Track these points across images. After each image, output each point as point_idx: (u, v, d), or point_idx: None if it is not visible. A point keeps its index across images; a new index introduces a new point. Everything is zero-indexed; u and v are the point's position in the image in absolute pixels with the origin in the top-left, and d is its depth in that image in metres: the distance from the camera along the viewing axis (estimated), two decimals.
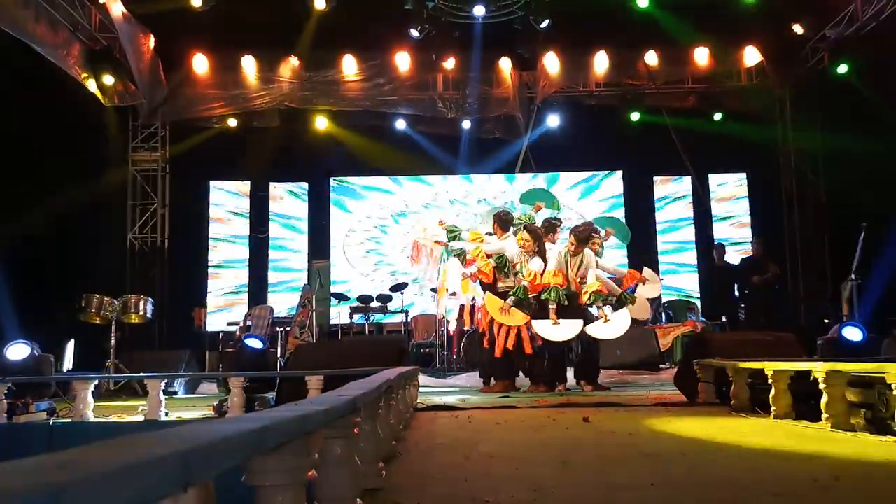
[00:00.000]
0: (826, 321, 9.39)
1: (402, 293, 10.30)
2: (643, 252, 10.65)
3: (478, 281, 6.99)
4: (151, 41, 9.90)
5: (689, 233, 11.97)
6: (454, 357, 9.46)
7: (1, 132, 7.93)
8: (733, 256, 10.45)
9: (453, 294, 8.32)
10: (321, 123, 11.33)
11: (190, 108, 10.74)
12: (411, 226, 11.42)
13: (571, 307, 6.57)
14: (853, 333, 6.55)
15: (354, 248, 11.88)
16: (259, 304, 10.33)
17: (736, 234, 11.79)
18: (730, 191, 12.04)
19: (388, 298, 10.43)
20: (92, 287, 8.09)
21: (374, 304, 10.43)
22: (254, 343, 5.79)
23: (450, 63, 10.71)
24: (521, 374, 6.98)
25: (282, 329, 9.58)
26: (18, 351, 6.28)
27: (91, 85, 9.45)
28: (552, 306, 6.46)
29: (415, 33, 10.01)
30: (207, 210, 11.70)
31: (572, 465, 2.60)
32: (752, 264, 9.58)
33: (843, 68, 9.77)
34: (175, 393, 7.84)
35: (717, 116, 11.25)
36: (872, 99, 9.13)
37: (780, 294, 9.79)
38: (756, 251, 9.76)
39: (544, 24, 9.85)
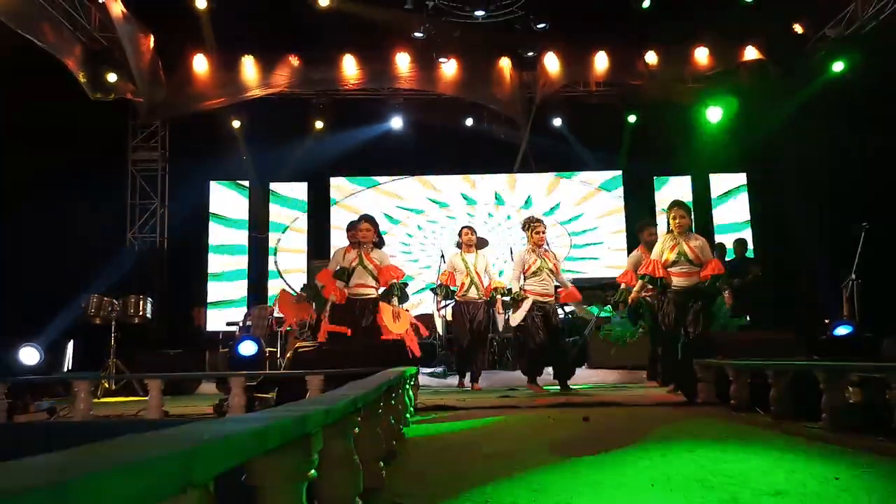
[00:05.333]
0: (826, 321, 9.37)
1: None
2: None
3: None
4: (151, 41, 9.90)
5: None
6: (453, 357, 9.42)
7: (1, 131, 7.94)
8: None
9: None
10: (321, 124, 11.32)
11: (188, 106, 10.73)
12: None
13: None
14: (841, 330, 6.69)
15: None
16: (259, 305, 10.31)
17: (737, 233, 11.76)
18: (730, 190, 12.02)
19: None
20: (91, 287, 8.09)
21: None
22: (245, 350, 5.59)
23: (450, 63, 10.71)
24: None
25: (282, 329, 9.56)
26: (30, 355, 6.27)
27: (91, 85, 9.45)
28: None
29: (415, 33, 10.00)
30: (207, 209, 11.69)
31: (572, 464, 2.60)
32: (732, 267, 9.53)
33: (839, 65, 9.76)
34: (175, 392, 7.84)
35: (717, 115, 11.23)
36: (876, 92, 9.05)
37: (765, 295, 9.70)
38: (736, 253, 9.67)
39: (544, 24, 9.85)
